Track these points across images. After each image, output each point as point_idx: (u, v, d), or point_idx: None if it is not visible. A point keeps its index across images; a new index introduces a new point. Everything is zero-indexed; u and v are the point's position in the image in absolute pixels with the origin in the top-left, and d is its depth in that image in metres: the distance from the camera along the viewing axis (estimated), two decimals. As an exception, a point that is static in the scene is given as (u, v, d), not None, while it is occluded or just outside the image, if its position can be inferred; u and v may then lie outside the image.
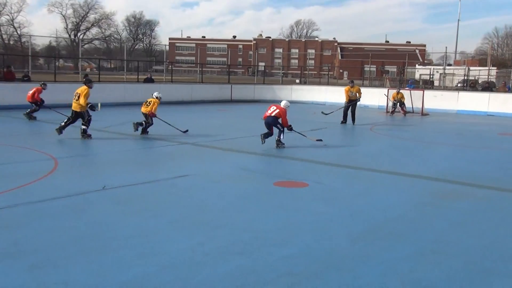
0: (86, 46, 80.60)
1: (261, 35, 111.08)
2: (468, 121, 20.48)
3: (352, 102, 17.56)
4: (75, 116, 11.80)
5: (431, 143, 13.76)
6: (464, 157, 11.42)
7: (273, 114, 11.37)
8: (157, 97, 13.67)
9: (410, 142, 13.75)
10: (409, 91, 24.20)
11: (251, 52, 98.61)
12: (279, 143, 11.36)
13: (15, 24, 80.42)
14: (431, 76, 38.48)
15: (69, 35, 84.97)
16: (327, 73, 44.34)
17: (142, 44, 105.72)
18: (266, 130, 11.45)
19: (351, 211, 6.47)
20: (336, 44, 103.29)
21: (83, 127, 11.85)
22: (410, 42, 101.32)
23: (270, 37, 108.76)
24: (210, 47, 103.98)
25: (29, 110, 16.19)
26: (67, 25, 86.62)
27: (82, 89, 11.79)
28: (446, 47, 58.38)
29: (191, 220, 5.92)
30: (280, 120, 11.28)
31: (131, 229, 5.50)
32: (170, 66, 38.22)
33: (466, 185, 8.24)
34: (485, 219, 6.29)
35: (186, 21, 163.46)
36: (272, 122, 11.37)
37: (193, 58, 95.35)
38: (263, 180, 8.21)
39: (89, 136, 11.83)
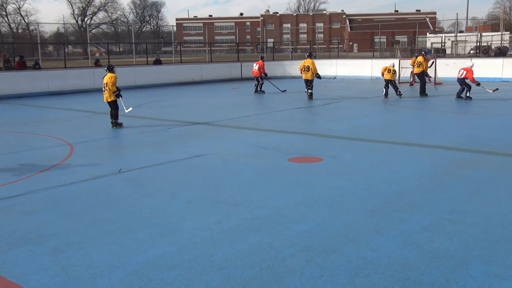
0: (93, 31, 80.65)
1: (268, 11, 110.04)
2: (482, 88, 20.17)
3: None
4: (112, 105, 11.70)
5: (446, 112, 13.63)
6: (480, 125, 11.31)
7: (462, 76, 15.59)
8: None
9: (425, 112, 13.64)
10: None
11: (259, 29, 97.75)
12: (467, 98, 15.65)
13: (22, 13, 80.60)
14: (443, 44, 37.96)
15: (76, 21, 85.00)
16: (337, 46, 43.84)
17: (149, 26, 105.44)
18: None
19: (367, 184, 6.46)
20: (344, 16, 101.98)
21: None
22: (420, 11, 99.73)
23: (277, 13, 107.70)
24: (218, 26, 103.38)
25: None
26: (73, 10, 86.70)
27: (108, 77, 11.65)
28: (457, 13, 57.33)
29: (207, 199, 5.96)
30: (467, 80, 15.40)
31: (149, 210, 5.56)
32: (179, 47, 38.18)
33: (483, 153, 8.17)
34: (503, 187, 6.25)
35: (192, 0, 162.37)
36: (460, 83, 15.73)
37: (201, 37, 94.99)
38: (277, 157, 8.22)
39: (121, 124, 11.71)
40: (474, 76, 15.63)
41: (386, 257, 4.18)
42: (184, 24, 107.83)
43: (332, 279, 3.81)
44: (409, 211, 5.36)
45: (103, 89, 11.65)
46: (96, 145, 9.72)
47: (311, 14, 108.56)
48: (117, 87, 11.57)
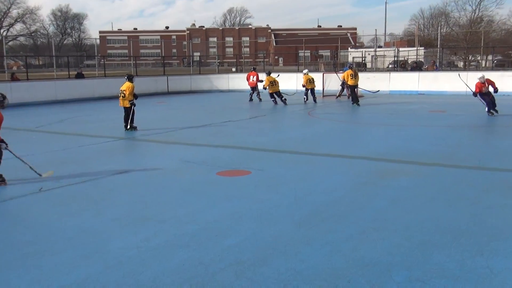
0: (10, 43, 76.85)
1: (194, 24, 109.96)
2: (401, 100, 21.22)
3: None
4: (127, 111, 12.88)
5: (367, 124, 14.17)
6: (399, 136, 11.83)
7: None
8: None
9: (348, 124, 14.10)
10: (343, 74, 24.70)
11: (185, 43, 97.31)
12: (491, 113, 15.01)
13: None
14: (363, 59, 39.55)
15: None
16: (263, 60, 44.54)
17: (71, 39, 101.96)
18: None
19: (294, 196, 6.57)
20: (270, 31, 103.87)
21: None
22: (341, 26, 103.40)
23: (203, 27, 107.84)
24: (143, 39, 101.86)
25: None
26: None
27: (126, 86, 12.87)
28: (376, 29, 59.91)
29: (134, 216, 5.82)
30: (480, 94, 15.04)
31: (72, 230, 5.34)
32: (102, 60, 37.20)
33: (402, 163, 8.56)
34: (421, 195, 6.56)
35: (116, 13, 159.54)
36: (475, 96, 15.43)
37: (126, 51, 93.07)
38: (205, 171, 8.18)
39: (136, 128, 12.85)
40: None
41: (314, 268, 4.26)
42: (108, 37, 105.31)
43: (261, 292, 3.82)
44: (335, 221, 5.50)
45: (120, 95, 12.94)
46: (12, 164, 9.22)
47: (237, 28, 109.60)
48: (135, 95, 12.94)
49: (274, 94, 20.23)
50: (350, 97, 20.18)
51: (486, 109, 14.86)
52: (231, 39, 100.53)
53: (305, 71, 22.25)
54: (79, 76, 26.29)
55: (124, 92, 12.84)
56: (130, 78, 13.18)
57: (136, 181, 7.61)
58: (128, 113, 12.86)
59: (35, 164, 8.47)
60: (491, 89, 14.98)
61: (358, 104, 18.89)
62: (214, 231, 5.21)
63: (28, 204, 6.44)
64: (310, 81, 20.72)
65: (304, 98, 20.89)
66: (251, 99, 22.22)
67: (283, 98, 19.90)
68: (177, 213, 5.91)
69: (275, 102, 19.82)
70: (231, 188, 7.09)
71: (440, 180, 7.34)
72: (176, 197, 6.68)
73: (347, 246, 4.76)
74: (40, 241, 5.03)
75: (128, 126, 12.81)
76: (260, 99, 21.94)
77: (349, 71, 20.04)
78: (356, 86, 20.12)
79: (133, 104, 12.81)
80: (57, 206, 6.29)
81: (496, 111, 14.79)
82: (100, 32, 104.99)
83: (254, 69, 23.52)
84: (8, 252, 4.73)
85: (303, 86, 20.97)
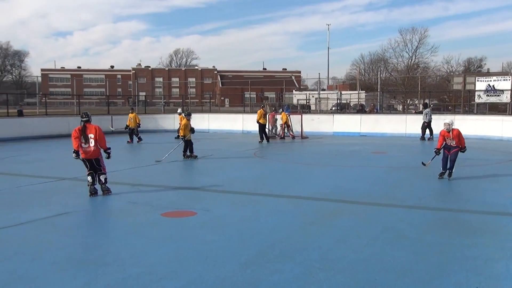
0: None
1: (140, 64, 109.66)
2: (344, 142, 21.79)
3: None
4: (187, 143, 15.09)
5: (312, 164, 14.40)
6: (343, 176, 12.08)
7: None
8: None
9: (292, 165, 14.27)
10: (288, 115, 25.25)
11: (130, 82, 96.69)
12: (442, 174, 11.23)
13: None
14: (308, 101, 40.52)
15: None
16: (209, 100, 44.77)
17: (11, 76, 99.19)
18: None
19: (240, 237, 6.53)
20: (216, 72, 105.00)
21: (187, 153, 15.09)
22: (286, 69, 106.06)
23: (149, 67, 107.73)
24: (87, 78, 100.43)
25: None
26: None
27: (183, 121, 15.55)
28: (319, 73, 62.00)
29: (75, 259, 5.59)
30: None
31: (6, 275, 5.05)
32: (44, 98, 36.30)
33: (346, 203, 8.72)
34: (364, 234, 6.68)
35: (59, 51, 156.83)
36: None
37: (69, 89, 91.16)
38: (150, 212, 8.01)
39: (196, 156, 15.14)
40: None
41: (260, 310, 4.20)
42: (50, 75, 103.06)
43: (207, 337, 3.72)
44: (281, 261, 5.49)
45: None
46: None
47: (183, 69, 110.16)
48: (192, 129, 15.08)
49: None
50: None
51: (441, 169, 11.20)
52: (177, 79, 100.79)
53: (179, 110, 24.15)
54: (20, 114, 25.59)
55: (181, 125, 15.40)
56: (188, 114, 15.81)
57: (77, 223, 7.35)
58: (187, 145, 15.02)
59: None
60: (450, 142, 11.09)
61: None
62: (159, 274, 5.08)
63: (-42, 249, 6.06)
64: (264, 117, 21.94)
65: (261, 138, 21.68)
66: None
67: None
68: (120, 255, 5.73)
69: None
70: (176, 229, 6.97)
71: (383, 219, 7.51)
72: (119, 239, 6.48)
73: (293, 286, 4.74)
74: (-30, 288, 4.73)
75: (187, 155, 14.98)
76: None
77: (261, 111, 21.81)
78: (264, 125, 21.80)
79: (178, 137, 15.54)
80: (-9, 250, 5.96)
81: (450, 175, 11.05)
82: (42, 70, 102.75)
83: (263, 107, 23.72)
84: None
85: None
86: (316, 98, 38.35)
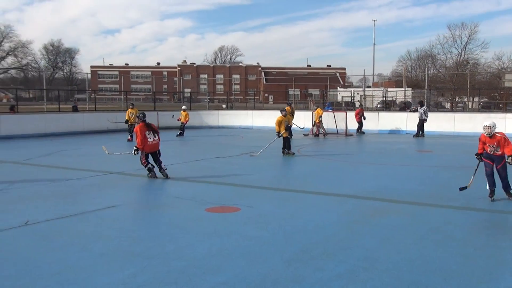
0: (1, 76, 77.03)
1: (185, 61, 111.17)
2: (389, 140, 21.42)
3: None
4: (284, 139, 15.25)
5: (356, 162, 14.23)
6: (388, 175, 11.88)
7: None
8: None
9: (337, 163, 14.15)
10: (332, 112, 25.05)
11: (176, 79, 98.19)
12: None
13: None
14: (352, 98, 40.07)
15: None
16: (253, 97, 44.95)
17: (62, 73, 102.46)
18: None
19: (284, 233, 6.53)
20: (260, 69, 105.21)
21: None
22: (330, 66, 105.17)
23: (194, 63, 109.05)
24: (134, 74, 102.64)
25: None
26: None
27: (277, 118, 15.23)
28: (365, 70, 61.12)
29: (121, 251, 5.73)
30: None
31: (58, 265, 5.24)
32: (93, 94, 37.34)
33: (391, 202, 8.57)
34: (410, 234, 6.56)
35: (108, 48, 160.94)
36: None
37: (117, 86, 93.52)
38: (194, 207, 8.12)
39: (293, 154, 15.25)
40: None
41: (303, 307, 4.20)
42: (99, 72, 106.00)
43: (250, 332, 3.75)
44: (324, 259, 5.46)
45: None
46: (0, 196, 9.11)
47: (227, 66, 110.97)
48: (286, 126, 15.16)
49: None
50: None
51: (488, 187, 8.82)
52: (222, 76, 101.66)
53: (184, 107, 24.29)
54: (75, 109, 26.55)
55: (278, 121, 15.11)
56: (281, 111, 15.67)
57: (124, 216, 7.53)
58: (284, 141, 15.12)
59: (21, 197, 8.38)
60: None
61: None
62: (202, 268, 5.15)
63: (13, 238, 6.33)
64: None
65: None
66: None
67: None
68: (165, 249, 5.84)
69: None
70: (220, 224, 7.03)
71: (429, 220, 7.35)
72: (165, 233, 6.61)
73: (336, 285, 4.71)
74: (23, 276, 4.92)
75: (286, 152, 15.09)
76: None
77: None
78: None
79: (278, 135, 15.10)
80: (43, 240, 6.19)
81: (510, 194, 8.77)
82: (91, 66, 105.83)
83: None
84: (-10, 287, 4.62)
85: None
86: (361, 95, 37.87)
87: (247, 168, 12.72)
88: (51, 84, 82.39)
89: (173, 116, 25.18)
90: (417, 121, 23.15)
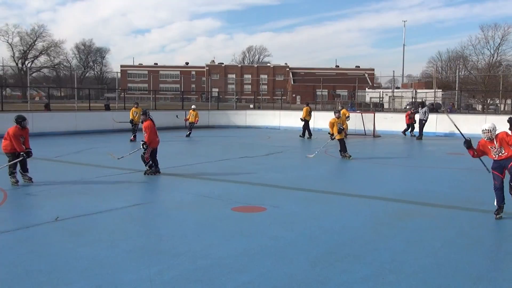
0: (34, 74, 78.78)
1: (213, 61, 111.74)
2: (418, 141, 21.09)
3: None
4: (339, 142, 14.85)
5: (384, 164, 14.08)
6: (416, 177, 11.72)
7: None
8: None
9: (365, 164, 14.02)
10: (361, 114, 24.84)
11: (204, 78, 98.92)
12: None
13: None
14: (381, 99, 39.63)
15: (16, 64, 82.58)
16: (280, 97, 44.89)
17: (93, 72, 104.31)
18: None
19: (310, 234, 6.51)
20: (288, 69, 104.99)
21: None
22: (359, 67, 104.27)
23: (222, 63, 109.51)
24: (163, 74, 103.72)
25: None
26: (14, 53, 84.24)
27: (331, 120, 14.85)
28: (394, 71, 60.35)
29: (148, 249, 5.80)
30: None
31: (86, 260, 5.34)
32: (123, 93, 37.88)
33: (419, 204, 8.45)
34: (438, 237, 6.45)
35: (138, 48, 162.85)
36: None
37: (146, 85, 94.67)
38: (220, 206, 8.16)
39: (350, 156, 14.71)
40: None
41: (328, 308, 4.17)
42: (129, 71, 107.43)
43: (275, 332, 3.75)
44: (350, 261, 5.42)
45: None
46: (31, 192, 9.32)
47: (255, 66, 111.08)
48: (340, 129, 14.63)
49: None
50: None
51: (496, 203, 7.71)
52: (250, 76, 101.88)
53: (193, 106, 24.28)
54: (107, 107, 27.05)
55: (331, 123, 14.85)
56: (337, 112, 15.24)
57: (152, 214, 7.62)
58: (340, 144, 14.77)
59: (51, 193, 8.54)
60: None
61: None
62: (228, 267, 5.17)
63: (43, 233, 6.47)
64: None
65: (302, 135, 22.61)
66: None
67: None
68: (191, 247, 5.88)
69: None
70: (246, 224, 7.05)
71: (458, 224, 7.22)
72: (191, 231, 6.66)
73: (362, 287, 4.67)
74: (54, 270, 5.03)
75: (342, 154, 14.71)
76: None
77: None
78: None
79: (331, 137, 14.84)
80: (72, 236, 6.31)
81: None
82: (121, 66, 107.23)
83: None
84: (22, 281, 4.73)
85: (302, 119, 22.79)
86: (389, 97, 37.45)
87: (273, 168, 12.71)
88: (82, 83, 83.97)
89: (177, 116, 25.31)
90: (419, 122, 23.04)
